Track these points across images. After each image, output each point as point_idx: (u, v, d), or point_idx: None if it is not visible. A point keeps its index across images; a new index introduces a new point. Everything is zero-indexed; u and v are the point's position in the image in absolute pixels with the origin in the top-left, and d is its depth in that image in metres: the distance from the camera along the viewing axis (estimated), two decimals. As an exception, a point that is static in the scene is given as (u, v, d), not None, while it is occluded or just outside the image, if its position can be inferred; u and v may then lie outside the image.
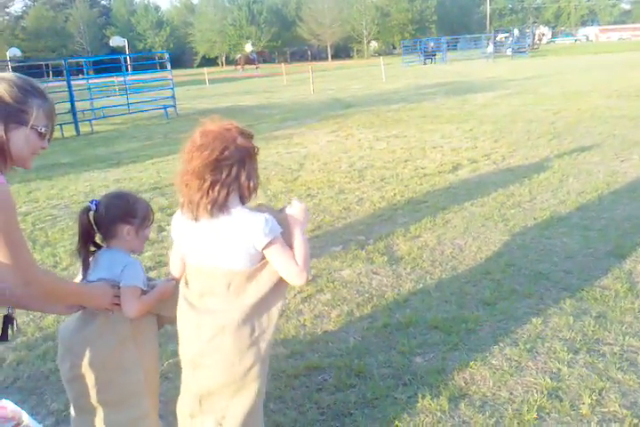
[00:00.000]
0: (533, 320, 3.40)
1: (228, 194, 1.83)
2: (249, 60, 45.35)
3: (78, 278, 2.11)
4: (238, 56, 48.10)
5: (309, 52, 72.81)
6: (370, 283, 4.07)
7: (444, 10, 73.41)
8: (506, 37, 43.56)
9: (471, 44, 50.90)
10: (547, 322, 3.38)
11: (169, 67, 17.09)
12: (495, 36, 42.60)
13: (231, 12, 71.04)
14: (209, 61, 68.42)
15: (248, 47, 48.97)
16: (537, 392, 2.73)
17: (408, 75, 28.03)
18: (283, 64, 40.11)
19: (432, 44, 42.17)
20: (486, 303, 3.65)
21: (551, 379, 2.83)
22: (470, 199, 5.90)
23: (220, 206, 1.83)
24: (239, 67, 45.69)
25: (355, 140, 9.99)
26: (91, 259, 2.06)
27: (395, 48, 71.23)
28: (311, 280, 4.09)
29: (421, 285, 4.00)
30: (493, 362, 3.01)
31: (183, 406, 2.08)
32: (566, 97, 13.86)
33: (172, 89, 16.34)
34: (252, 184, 1.88)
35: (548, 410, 2.61)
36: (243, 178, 1.84)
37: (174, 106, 16.11)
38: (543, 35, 63.37)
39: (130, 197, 2.12)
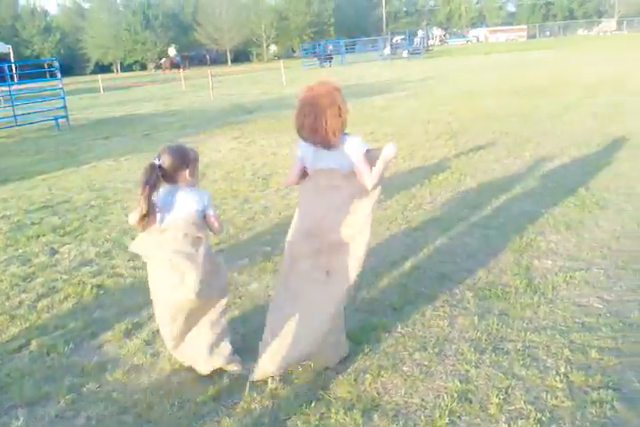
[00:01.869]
0: (440, 323, 3.45)
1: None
2: (174, 64, 45.22)
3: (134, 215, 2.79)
4: (163, 60, 47.89)
5: (208, 57, 71.63)
6: (278, 295, 3.98)
7: (342, 13, 74.42)
8: (402, 39, 44.75)
9: (369, 46, 51.94)
10: (453, 324, 3.44)
11: (59, 75, 16.23)
12: (391, 39, 43.71)
13: (125, 17, 68.81)
14: (103, 68, 65.80)
15: (172, 51, 48.40)
16: (447, 396, 2.76)
17: (308, 78, 28.15)
18: (181, 69, 39.32)
19: (331, 47, 42.63)
20: (394, 308, 3.67)
21: (460, 382, 2.87)
22: (374, 203, 5.94)
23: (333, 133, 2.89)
24: (165, 71, 45.06)
25: (257, 146, 9.89)
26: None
27: (294, 51, 71.49)
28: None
29: (330, 293, 3.95)
30: (404, 369, 3.02)
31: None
32: (460, 97, 14.40)
33: (64, 98, 15.49)
34: (345, 117, 2.91)
35: (458, 414, 2.65)
36: (340, 115, 2.87)
37: (66, 116, 15.31)
38: (444, 36, 65.77)
39: (180, 150, 2.89)
